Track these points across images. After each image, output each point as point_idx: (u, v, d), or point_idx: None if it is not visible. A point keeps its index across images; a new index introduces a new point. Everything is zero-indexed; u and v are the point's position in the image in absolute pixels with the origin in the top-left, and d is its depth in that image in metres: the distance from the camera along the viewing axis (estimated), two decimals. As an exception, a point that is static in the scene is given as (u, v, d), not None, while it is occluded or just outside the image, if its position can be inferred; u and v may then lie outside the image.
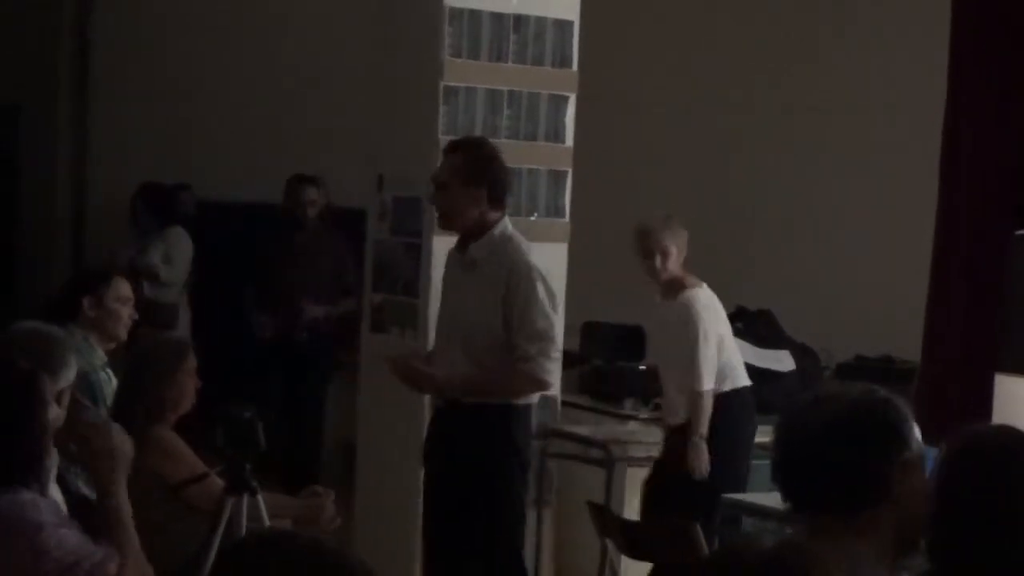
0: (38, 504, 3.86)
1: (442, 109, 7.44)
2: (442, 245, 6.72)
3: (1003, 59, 7.57)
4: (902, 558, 3.13)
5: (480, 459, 6.02)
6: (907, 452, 3.06)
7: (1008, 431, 3.35)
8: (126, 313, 6.45)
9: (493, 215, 6.08)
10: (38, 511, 3.84)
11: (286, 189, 10.05)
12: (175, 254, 10.48)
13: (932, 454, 3.54)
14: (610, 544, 6.31)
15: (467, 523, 6.04)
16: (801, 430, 3.10)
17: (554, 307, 6.08)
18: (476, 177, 6.03)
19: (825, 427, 3.06)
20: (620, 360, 9.03)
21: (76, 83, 12.10)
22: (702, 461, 6.98)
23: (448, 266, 6.37)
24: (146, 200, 10.61)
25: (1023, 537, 3.14)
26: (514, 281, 5.97)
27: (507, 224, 6.11)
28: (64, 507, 4.35)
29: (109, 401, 6.09)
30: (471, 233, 6.09)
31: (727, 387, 7.17)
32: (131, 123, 11.74)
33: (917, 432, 3.11)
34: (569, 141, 7.72)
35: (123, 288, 6.49)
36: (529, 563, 6.78)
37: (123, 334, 6.46)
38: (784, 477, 3.12)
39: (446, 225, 6.24)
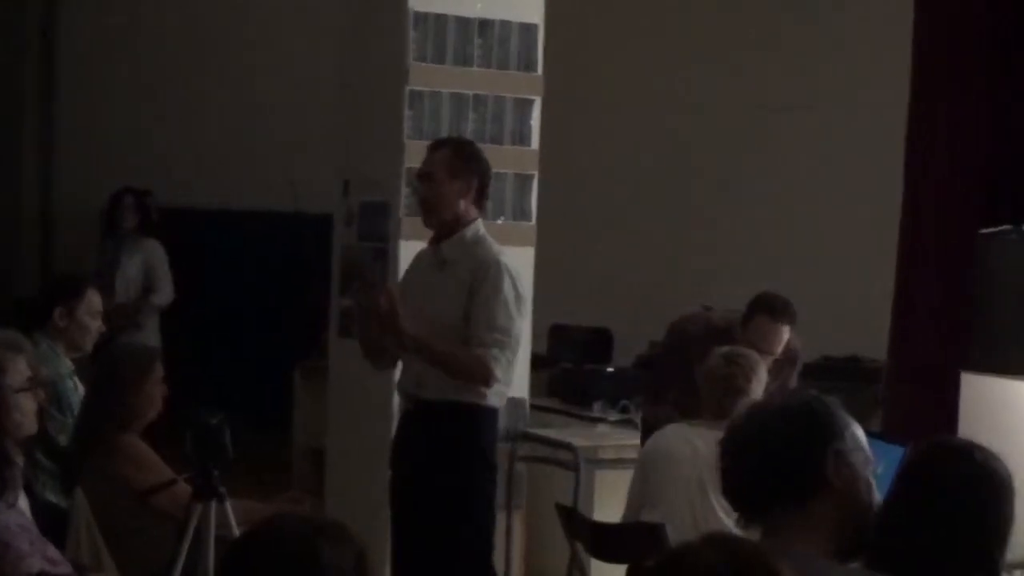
0: (10, 527, 3.83)
1: (407, 113, 7.44)
2: (409, 249, 6.71)
3: (966, 56, 7.60)
4: (851, 556, 3.23)
5: (447, 461, 6.02)
6: (837, 442, 3.19)
7: (976, 445, 3.48)
8: (95, 326, 6.50)
9: (471, 213, 6.09)
10: (11, 535, 3.81)
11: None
12: (159, 267, 10.39)
13: (899, 453, 3.59)
14: (579, 546, 6.33)
15: (436, 526, 6.04)
16: (739, 438, 3.25)
17: (520, 308, 6.06)
18: (464, 169, 6.07)
19: (759, 430, 3.22)
20: (588, 363, 9.05)
21: (41, 84, 12.05)
22: None
23: (415, 264, 6.35)
24: (128, 206, 10.48)
25: (967, 534, 3.31)
26: (481, 275, 5.98)
27: (480, 226, 6.13)
28: (29, 513, 4.34)
29: (76, 409, 6.09)
30: (446, 231, 6.09)
31: None
32: (97, 126, 11.71)
33: (856, 428, 3.24)
34: (535, 144, 7.73)
35: (95, 301, 6.53)
36: (499, 566, 6.78)
37: (90, 346, 6.50)
38: (729, 484, 3.25)
39: (428, 220, 6.20)
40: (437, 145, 6.27)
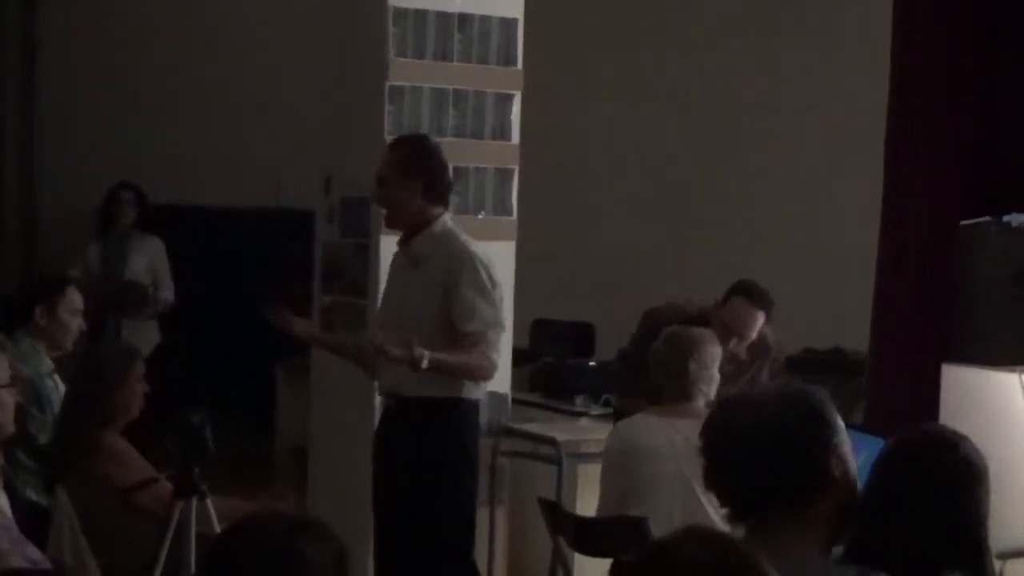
0: None
1: (388, 109, 7.44)
2: (390, 245, 6.71)
3: (946, 49, 7.61)
4: (837, 543, 3.20)
5: (428, 456, 6.02)
6: (835, 436, 3.14)
7: (949, 431, 3.50)
8: (75, 324, 6.50)
9: (434, 211, 6.11)
10: None
11: None
12: (162, 265, 10.33)
13: (881, 445, 3.59)
14: (562, 541, 6.32)
15: (417, 522, 6.04)
16: (728, 432, 3.14)
17: (497, 293, 6.09)
18: (413, 170, 6.09)
19: (752, 425, 3.11)
20: (570, 357, 9.04)
21: (22, 84, 12.01)
22: None
23: (392, 266, 6.39)
24: (127, 201, 10.38)
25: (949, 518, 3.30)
26: (455, 267, 6.01)
27: (447, 220, 6.15)
28: (9, 512, 4.33)
29: (56, 408, 6.08)
30: (413, 230, 6.12)
31: None
32: (80, 126, 11.68)
33: (838, 417, 3.19)
34: (515, 139, 7.73)
35: (75, 299, 6.53)
36: (482, 561, 6.77)
37: (70, 345, 6.49)
38: (718, 481, 3.15)
39: (391, 222, 6.26)
40: (391, 147, 6.30)
